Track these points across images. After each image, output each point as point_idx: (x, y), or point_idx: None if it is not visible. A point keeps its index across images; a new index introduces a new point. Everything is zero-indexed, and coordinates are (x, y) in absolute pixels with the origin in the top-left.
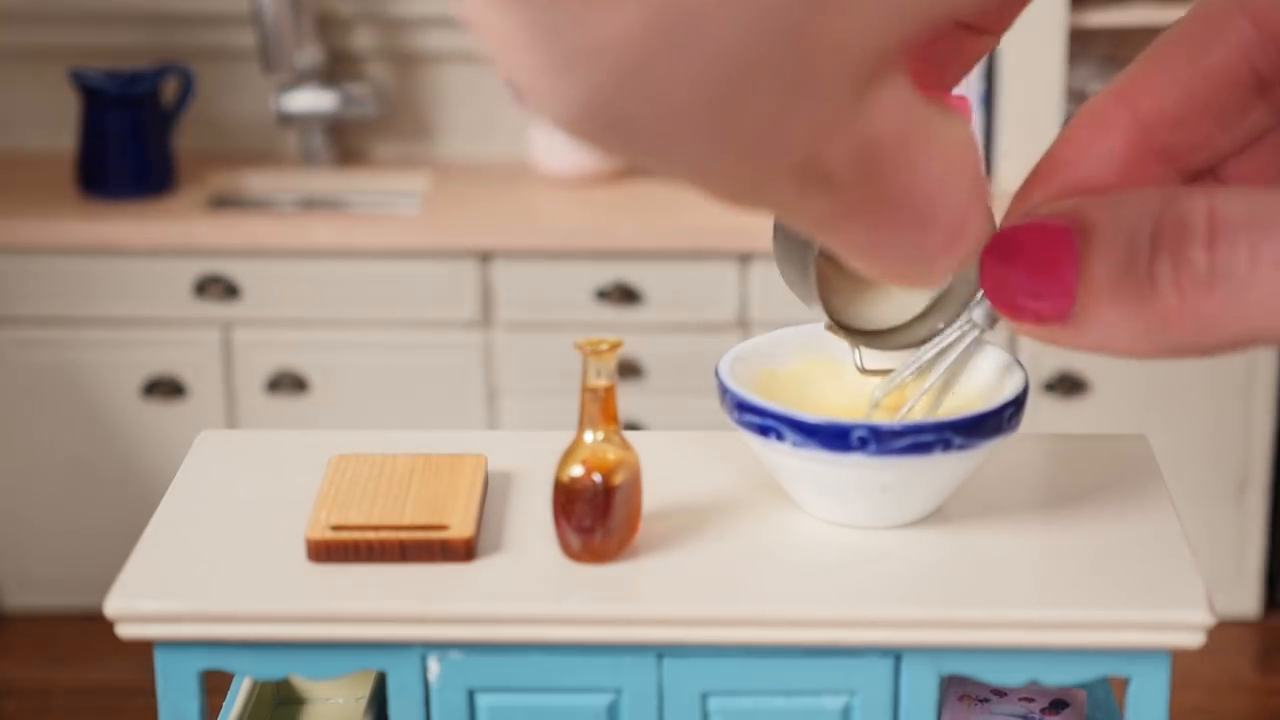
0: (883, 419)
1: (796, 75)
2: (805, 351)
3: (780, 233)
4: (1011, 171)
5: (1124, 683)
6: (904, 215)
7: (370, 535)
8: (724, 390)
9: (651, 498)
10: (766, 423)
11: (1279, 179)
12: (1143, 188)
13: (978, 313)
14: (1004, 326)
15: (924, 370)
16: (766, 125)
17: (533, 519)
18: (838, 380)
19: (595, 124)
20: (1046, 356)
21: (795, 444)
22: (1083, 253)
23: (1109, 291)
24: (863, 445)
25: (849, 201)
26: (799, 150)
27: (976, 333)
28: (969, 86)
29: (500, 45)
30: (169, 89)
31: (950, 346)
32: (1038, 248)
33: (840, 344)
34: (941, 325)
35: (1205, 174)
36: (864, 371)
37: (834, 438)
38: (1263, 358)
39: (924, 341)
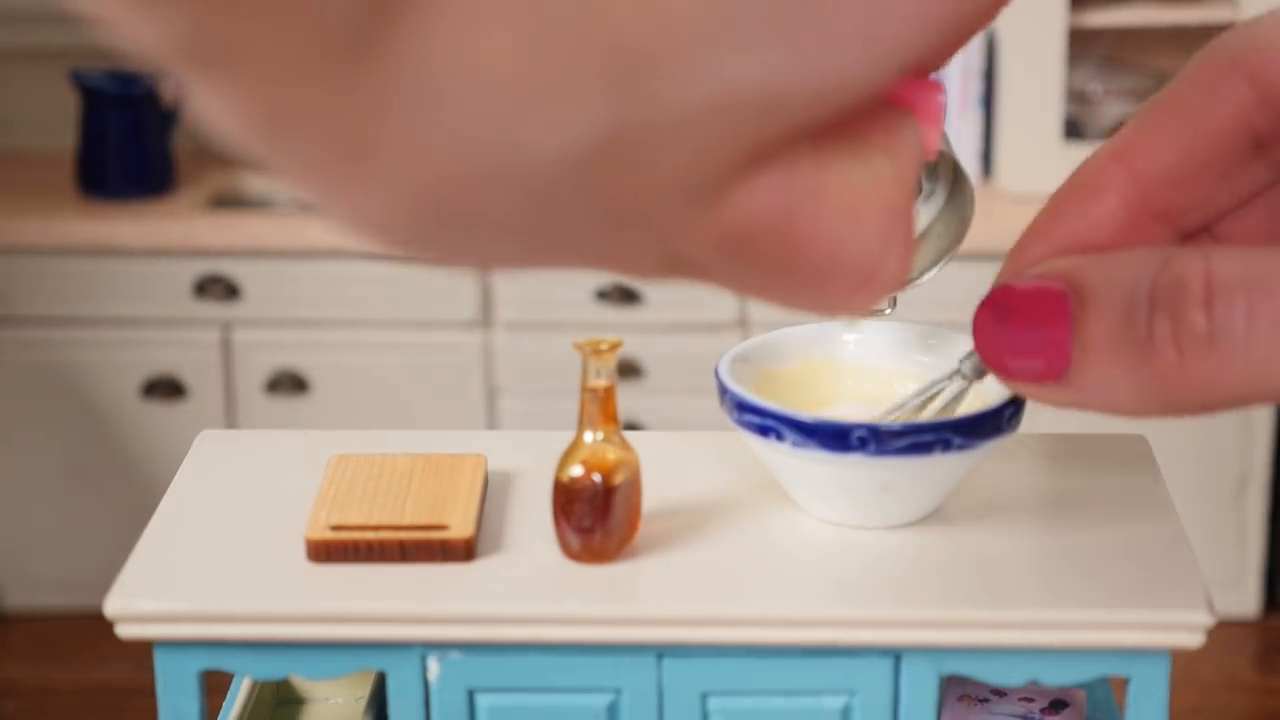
0: None
1: (622, 218)
2: (805, 351)
3: None
4: (1011, 172)
5: (1124, 683)
6: (800, 277)
7: (370, 535)
8: (724, 390)
9: (651, 498)
10: (766, 423)
11: (1274, 236)
12: (1139, 248)
13: (966, 364)
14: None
15: (908, 415)
16: (601, 248)
17: (533, 519)
18: (838, 380)
19: (410, 238)
20: None
21: (795, 444)
22: (1078, 313)
23: (1107, 351)
24: (862, 445)
25: (731, 279)
26: (649, 257)
27: (964, 384)
28: (969, 88)
29: (290, 173)
30: (168, 89)
31: (936, 396)
32: (1032, 308)
33: (838, 340)
34: (915, 275)
35: (1201, 233)
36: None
37: (833, 438)
38: None
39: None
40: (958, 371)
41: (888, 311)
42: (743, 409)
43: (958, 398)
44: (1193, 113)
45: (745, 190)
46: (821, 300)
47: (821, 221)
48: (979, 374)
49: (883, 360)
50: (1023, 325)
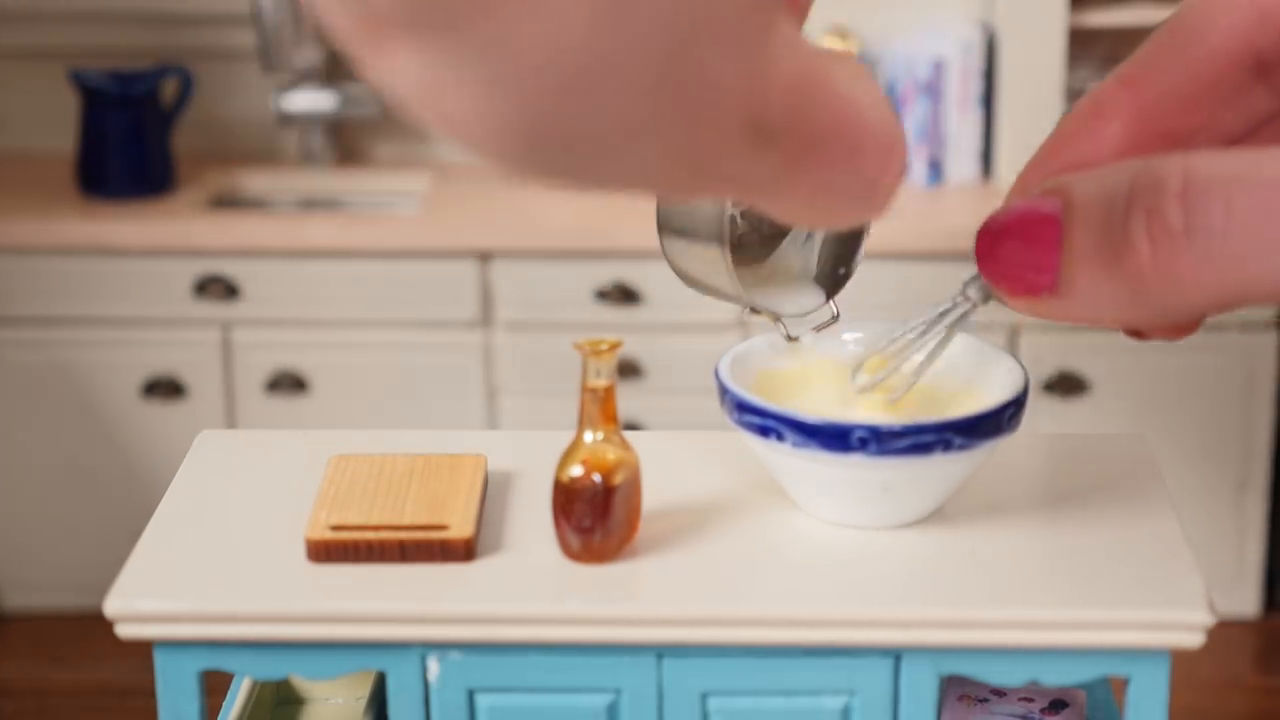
0: (867, 387)
1: (722, 29)
2: (805, 351)
3: (675, 233)
4: (1011, 171)
5: (1124, 683)
6: (839, 147)
7: (370, 535)
8: (724, 390)
9: (651, 498)
10: (766, 423)
11: None
12: (1129, 159)
13: (971, 288)
14: (1002, 327)
15: (909, 343)
16: (714, 90)
17: (533, 519)
18: (838, 380)
19: (538, 147)
20: (1047, 356)
21: (795, 444)
22: (1066, 223)
23: (1090, 256)
24: (863, 446)
25: (791, 149)
26: (744, 108)
27: (969, 306)
28: (969, 88)
29: (422, 87)
30: (168, 89)
31: (940, 317)
32: (1026, 223)
33: (837, 340)
34: (843, 270)
35: None
36: (790, 339)
37: (834, 438)
38: (1262, 358)
39: (840, 284)
40: (963, 294)
41: (837, 318)
42: (743, 409)
43: (962, 320)
44: (1195, 35)
45: (785, 33)
46: (857, 177)
47: (839, 85)
48: (985, 296)
49: (884, 361)
50: (1018, 239)
